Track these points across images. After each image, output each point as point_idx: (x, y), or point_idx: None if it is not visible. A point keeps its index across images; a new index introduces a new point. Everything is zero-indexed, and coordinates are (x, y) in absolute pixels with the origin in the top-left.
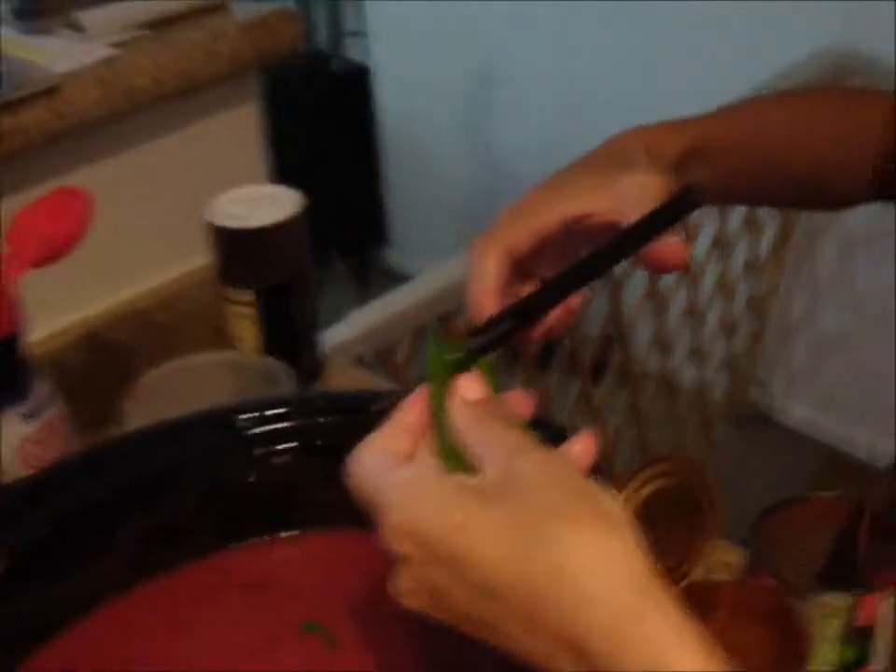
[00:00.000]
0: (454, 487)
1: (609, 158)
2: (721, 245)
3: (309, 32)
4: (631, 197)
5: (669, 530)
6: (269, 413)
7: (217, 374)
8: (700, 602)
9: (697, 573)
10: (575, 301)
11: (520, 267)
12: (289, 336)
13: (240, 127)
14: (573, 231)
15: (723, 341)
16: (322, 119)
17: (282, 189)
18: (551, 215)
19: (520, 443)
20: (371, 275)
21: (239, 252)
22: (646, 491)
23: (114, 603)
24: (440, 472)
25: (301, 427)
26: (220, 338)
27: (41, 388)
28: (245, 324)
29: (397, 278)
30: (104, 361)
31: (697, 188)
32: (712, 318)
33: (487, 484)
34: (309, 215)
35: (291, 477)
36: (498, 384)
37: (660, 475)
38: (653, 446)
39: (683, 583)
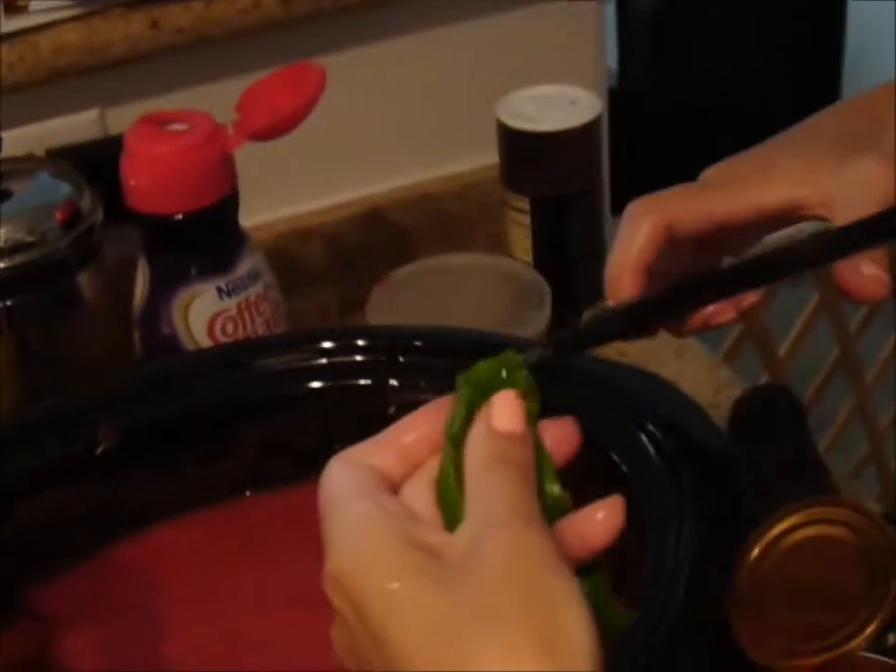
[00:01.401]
0: (407, 543)
1: (850, 126)
2: None
3: None
4: (852, 192)
5: (824, 589)
6: (424, 344)
7: (475, 280)
8: None
9: (854, 646)
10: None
11: (683, 249)
12: (564, 255)
13: (573, 21)
14: (770, 220)
15: None
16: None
17: (584, 94)
18: (745, 199)
19: (505, 512)
20: None
21: (521, 155)
22: (802, 534)
23: (214, 509)
24: (399, 518)
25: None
26: (500, 242)
27: (248, 264)
28: (519, 232)
29: None
30: (381, 241)
31: None
32: None
33: (448, 552)
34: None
35: None
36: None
37: (825, 520)
38: None
39: (829, 655)
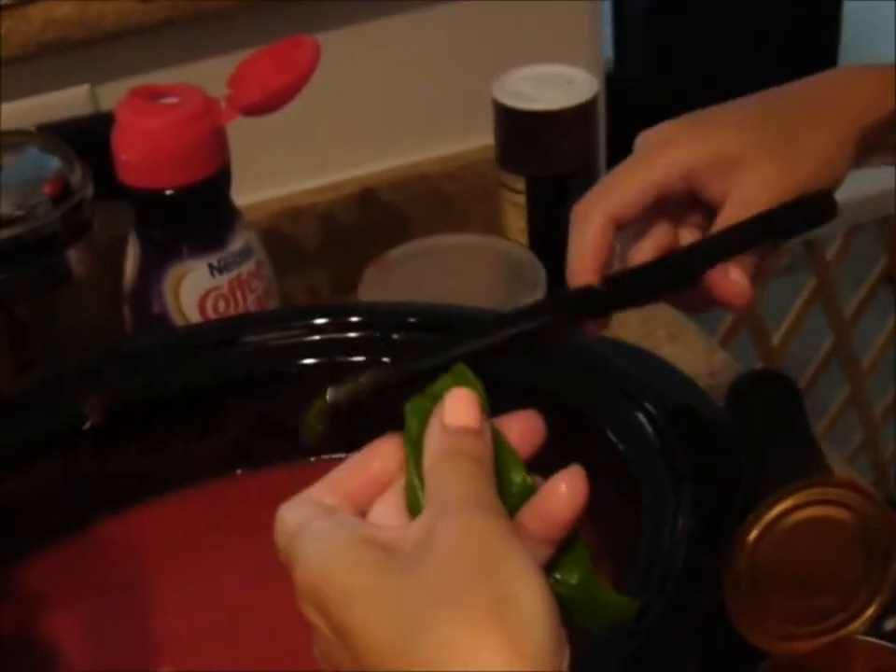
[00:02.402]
0: (362, 543)
1: (790, 113)
2: None
3: None
4: (744, 190)
5: (822, 571)
6: (418, 321)
7: (469, 261)
8: (832, 660)
9: (852, 629)
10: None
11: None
12: (560, 236)
13: (569, 1)
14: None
15: None
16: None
17: (581, 73)
18: (675, 158)
19: (457, 502)
20: None
21: (517, 134)
22: (801, 515)
23: (201, 487)
24: (355, 524)
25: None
26: (495, 223)
27: (240, 242)
28: (514, 212)
29: None
30: (375, 221)
31: (826, 201)
32: None
33: (402, 544)
34: None
35: None
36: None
37: (824, 501)
38: None
39: (827, 639)
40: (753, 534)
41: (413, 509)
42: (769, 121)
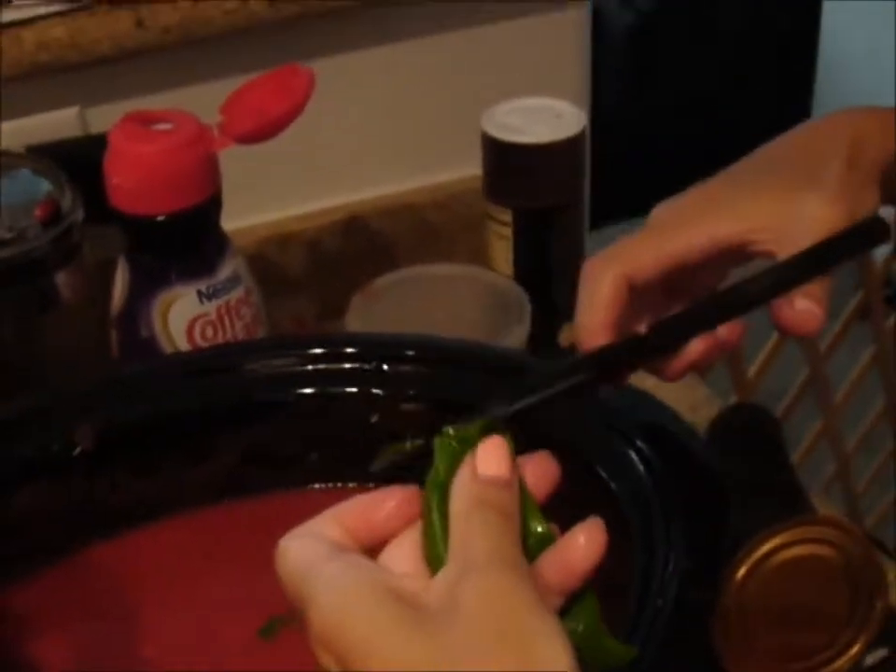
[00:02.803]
0: (384, 593)
1: (802, 159)
2: None
3: None
4: (797, 230)
5: (809, 609)
6: (409, 353)
7: (455, 291)
8: None
9: (837, 667)
10: (732, 332)
11: (646, 298)
12: (545, 268)
13: (558, 35)
14: (726, 255)
15: None
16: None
17: (569, 107)
18: (698, 238)
19: (484, 559)
20: None
21: (506, 167)
22: (788, 554)
23: (190, 514)
24: (372, 569)
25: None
26: (481, 253)
27: (229, 268)
28: (501, 244)
29: None
30: (362, 249)
31: (879, 223)
32: None
33: (426, 598)
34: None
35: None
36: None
37: (811, 540)
38: None
39: None
40: (741, 572)
41: (432, 557)
42: (781, 165)
